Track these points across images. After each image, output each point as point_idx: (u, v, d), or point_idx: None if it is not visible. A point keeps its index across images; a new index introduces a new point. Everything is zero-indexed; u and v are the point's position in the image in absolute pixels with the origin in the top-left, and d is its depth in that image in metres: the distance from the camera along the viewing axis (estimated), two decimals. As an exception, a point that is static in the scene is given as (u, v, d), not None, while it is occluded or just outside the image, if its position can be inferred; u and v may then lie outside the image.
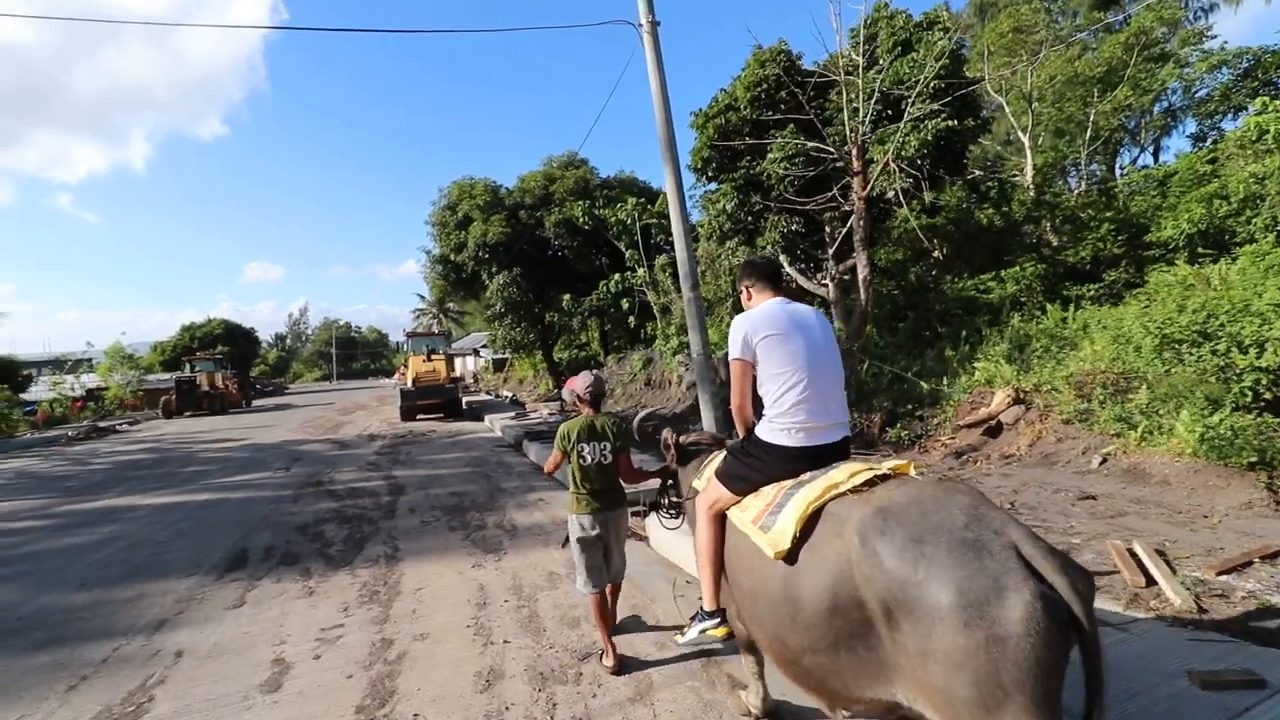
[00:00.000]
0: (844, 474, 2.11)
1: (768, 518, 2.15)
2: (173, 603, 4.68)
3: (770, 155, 13.32)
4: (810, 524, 2.03)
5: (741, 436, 2.57)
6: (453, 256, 23.03)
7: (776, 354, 2.35)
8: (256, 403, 35.31)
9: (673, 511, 3.38)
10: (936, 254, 17.38)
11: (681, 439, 3.33)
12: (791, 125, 13.15)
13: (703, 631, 2.56)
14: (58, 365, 37.50)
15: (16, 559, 6.28)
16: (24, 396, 31.80)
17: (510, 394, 27.09)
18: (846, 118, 8.07)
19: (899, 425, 7.45)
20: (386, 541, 6.03)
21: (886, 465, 2.20)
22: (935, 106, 11.02)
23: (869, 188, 7.87)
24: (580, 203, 21.28)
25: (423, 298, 61.21)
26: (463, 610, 4.19)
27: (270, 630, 4.07)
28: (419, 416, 18.74)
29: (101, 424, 24.23)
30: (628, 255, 20.60)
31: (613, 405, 17.60)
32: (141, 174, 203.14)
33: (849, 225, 13.66)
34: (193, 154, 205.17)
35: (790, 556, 2.02)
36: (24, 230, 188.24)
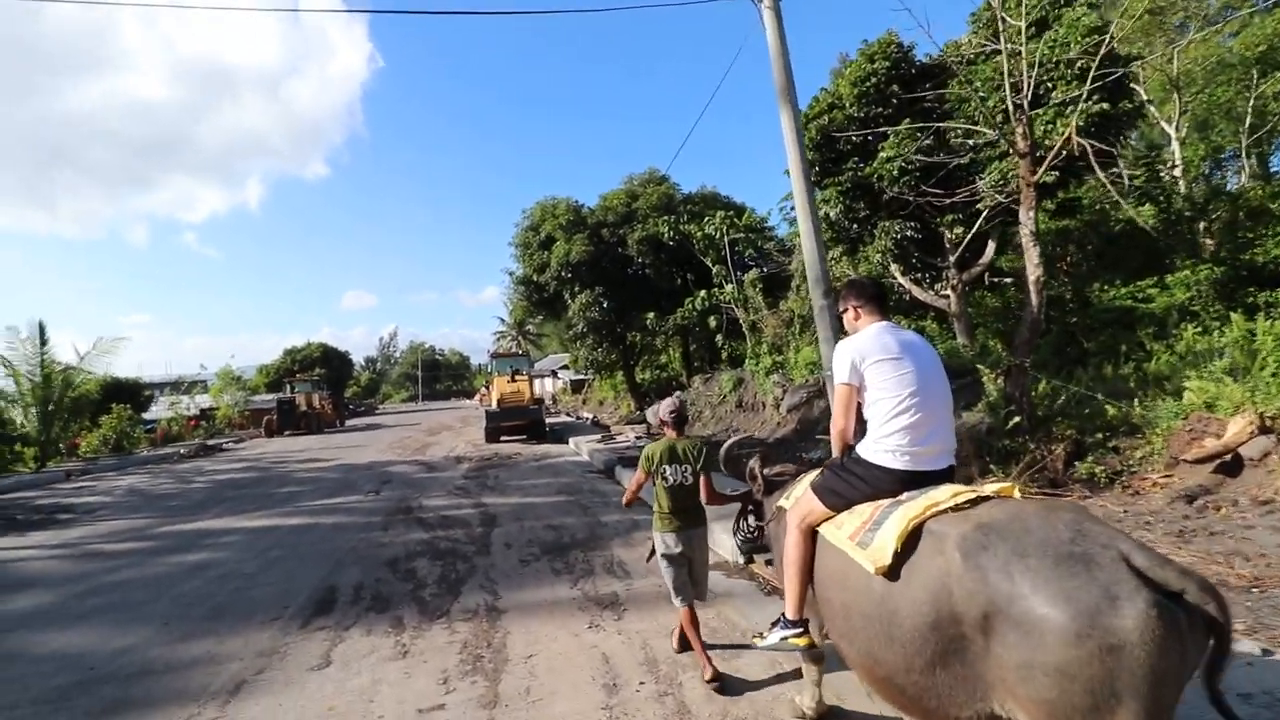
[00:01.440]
0: (945, 493, 2.10)
1: (866, 534, 2.14)
2: (253, 657, 4.06)
3: (882, 154, 12.12)
4: (911, 541, 2.01)
5: (836, 457, 2.58)
6: (535, 277, 22.86)
7: (886, 378, 2.35)
8: (349, 422, 36.58)
9: (751, 535, 3.49)
10: (1065, 260, 15.48)
11: (767, 470, 3.36)
12: (906, 121, 11.92)
13: (784, 639, 2.56)
14: (175, 387, 40.39)
15: (109, 587, 5.98)
16: (145, 415, 34.37)
17: (591, 415, 26.57)
18: (1008, 91, 6.86)
19: (1089, 459, 6.07)
20: (485, 585, 5.27)
21: (990, 488, 2.17)
22: (1085, 89, 9.58)
23: (1043, 169, 6.61)
24: (665, 218, 20.59)
25: (503, 320, 62.60)
26: (588, 694, 3.31)
27: (359, 707, 3.33)
28: (503, 438, 18.41)
29: (210, 442, 25.48)
30: (714, 271, 19.67)
31: (701, 429, 16.61)
32: (256, 213, 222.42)
33: (974, 228, 12.22)
34: (300, 193, 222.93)
35: (891, 573, 2.00)
36: (157, 266, 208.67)
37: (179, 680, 3.80)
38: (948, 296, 12.98)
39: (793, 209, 19.74)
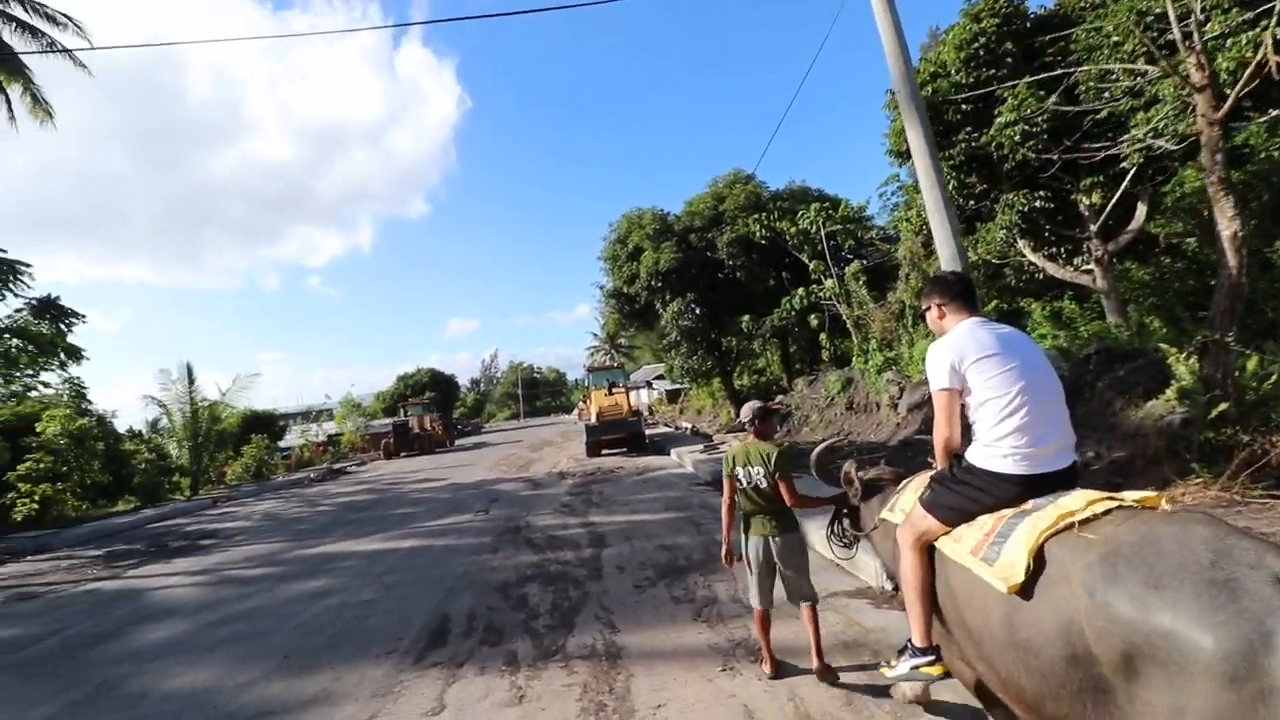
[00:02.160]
0: (1080, 501, 1.90)
1: (990, 549, 1.97)
2: (368, 698, 3.85)
3: (1000, 119, 10.85)
4: (1040, 557, 1.82)
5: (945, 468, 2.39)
6: (625, 289, 22.72)
7: (990, 377, 2.17)
8: (458, 441, 38.11)
9: (846, 541, 3.45)
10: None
11: (863, 474, 3.23)
12: (1024, 83, 10.61)
13: (915, 668, 2.30)
14: (305, 416, 43.90)
15: (238, 616, 6.11)
16: (281, 444, 37.51)
17: (689, 425, 26.02)
18: (1173, 21, 5.73)
19: (1327, 450, 4.84)
20: (600, 615, 4.86)
21: (1131, 496, 1.92)
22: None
23: (1231, 100, 5.44)
24: (755, 216, 19.79)
25: (595, 335, 63.47)
26: (733, 758, 2.78)
27: (474, 764, 2.97)
28: (603, 451, 18.25)
29: (335, 466, 27.22)
30: (812, 266, 18.64)
31: (809, 434, 15.66)
32: (367, 253, 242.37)
33: (1121, 188, 10.65)
34: (404, 231, 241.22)
35: (1025, 591, 1.81)
36: (287, 307, 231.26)
37: (295, 724, 3.63)
38: (1090, 271, 11.39)
39: (895, 192, 18.51)
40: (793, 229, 19.02)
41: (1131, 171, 10.18)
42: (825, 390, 16.98)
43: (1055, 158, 8.39)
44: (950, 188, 12.20)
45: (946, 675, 2.33)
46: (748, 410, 3.69)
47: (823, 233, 18.21)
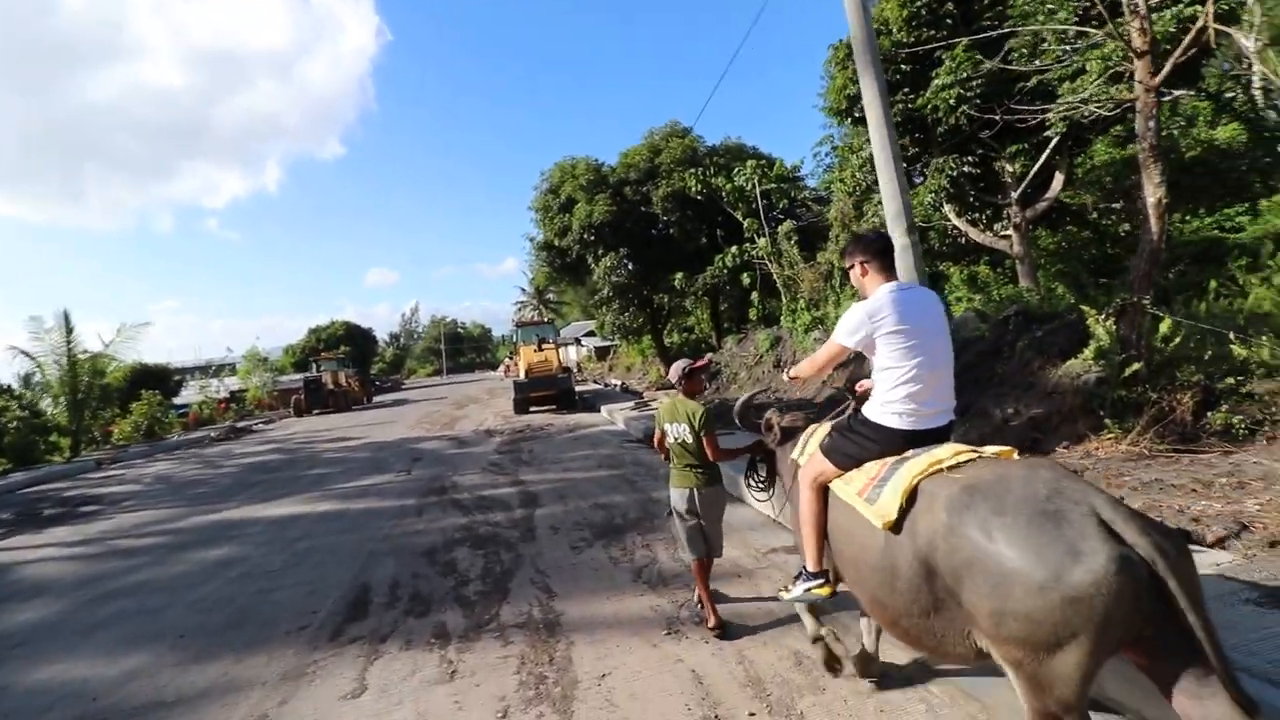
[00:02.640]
0: (948, 452, 2.22)
1: (873, 490, 2.26)
2: (276, 681, 3.46)
3: (937, 82, 10.93)
4: (911, 498, 2.12)
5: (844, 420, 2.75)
6: (556, 241, 21.96)
7: (895, 349, 2.38)
8: (377, 399, 36.49)
9: (762, 485, 3.67)
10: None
11: (782, 420, 3.43)
12: (963, 43, 10.66)
13: (808, 589, 2.63)
14: (204, 371, 40.64)
15: (125, 591, 5.47)
16: (177, 401, 34.64)
17: (620, 382, 25.93)
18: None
19: (1224, 408, 5.18)
20: (536, 579, 4.62)
21: (990, 450, 2.27)
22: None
23: (1169, 66, 5.56)
24: (691, 170, 19.44)
25: (523, 290, 61.94)
26: (686, 731, 2.63)
27: (402, 752, 2.69)
28: (532, 409, 17.86)
29: (239, 424, 25.42)
30: (746, 224, 18.59)
31: (737, 390, 15.83)
32: (274, 195, 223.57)
33: (1043, 157, 11.05)
34: (317, 173, 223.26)
35: (896, 527, 2.12)
36: (182, 252, 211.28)
37: (189, 716, 3.21)
38: (1008, 237, 11.88)
39: (828, 154, 18.57)
40: (728, 185, 18.84)
41: (1055, 140, 10.56)
42: (754, 348, 17.19)
43: (997, 119, 8.42)
44: (884, 149, 12.33)
45: (834, 595, 2.65)
46: (676, 369, 3.84)
47: (758, 191, 18.14)
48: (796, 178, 20.39)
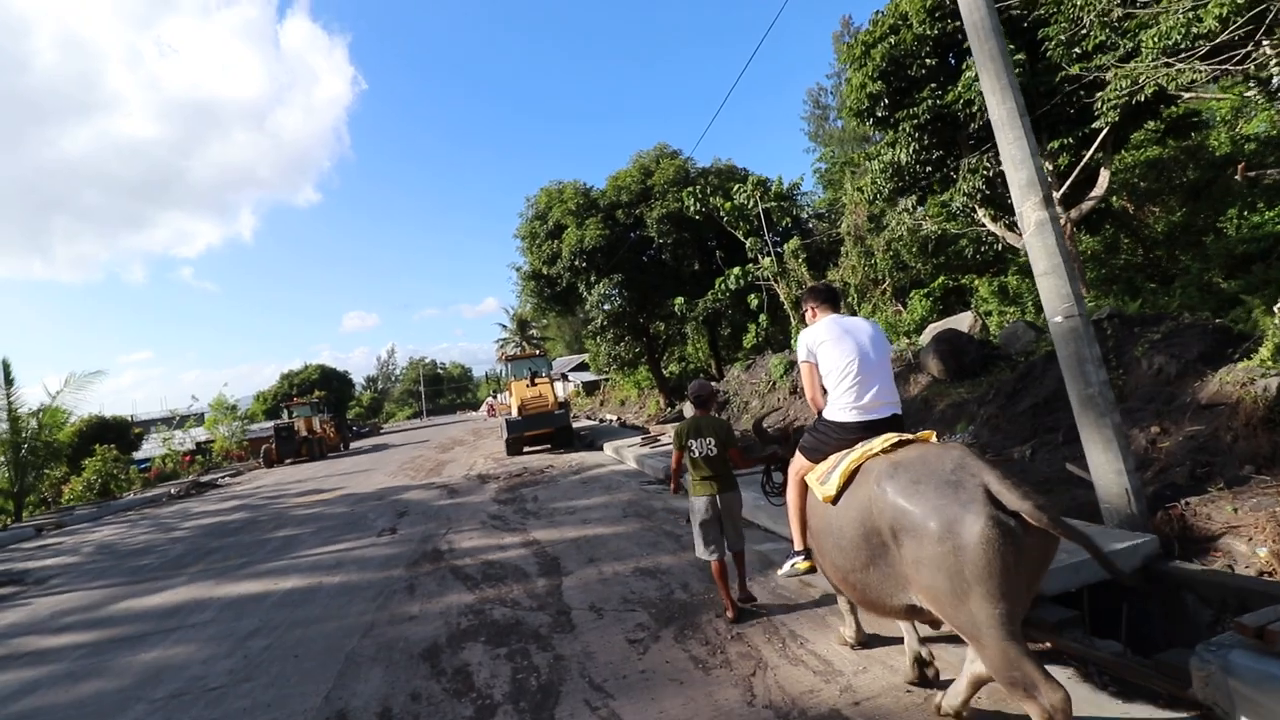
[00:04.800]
0: (880, 441, 2.71)
1: (827, 476, 2.80)
2: None
3: (969, 74, 10.05)
4: (852, 477, 2.67)
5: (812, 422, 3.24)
6: (545, 270, 20.74)
7: (832, 355, 2.99)
8: (354, 444, 34.51)
9: (776, 489, 4.36)
10: (1162, 198, 13.40)
11: (767, 426, 4.46)
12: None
13: (793, 565, 3.20)
14: (169, 423, 38.26)
15: (2, 730, 3.91)
16: (138, 455, 32.31)
17: (615, 417, 24.50)
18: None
19: None
20: (595, 704, 3.18)
21: (914, 436, 2.76)
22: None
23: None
24: (689, 189, 18.44)
25: (504, 327, 60.50)
26: None
27: None
28: (525, 449, 16.36)
29: (203, 479, 23.37)
30: (749, 244, 17.56)
31: (750, 421, 14.53)
32: (250, 243, 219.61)
33: (1090, 151, 10.15)
34: (293, 221, 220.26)
35: (835, 500, 2.69)
36: (155, 303, 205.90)
37: None
38: (1051, 241, 10.93)
39: (828, 169, 17.72)
40: (727, 205, 17.85)
41: (1104, 132, 9.69)
42: (768, 374, 15.96)
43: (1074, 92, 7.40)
44: (909, 153, 11.38)
45: (813, 570, 3.15)
46: (691, 389, 4.32)
47: (760, 208, 17.17)
48: (796, 195, 19.52)
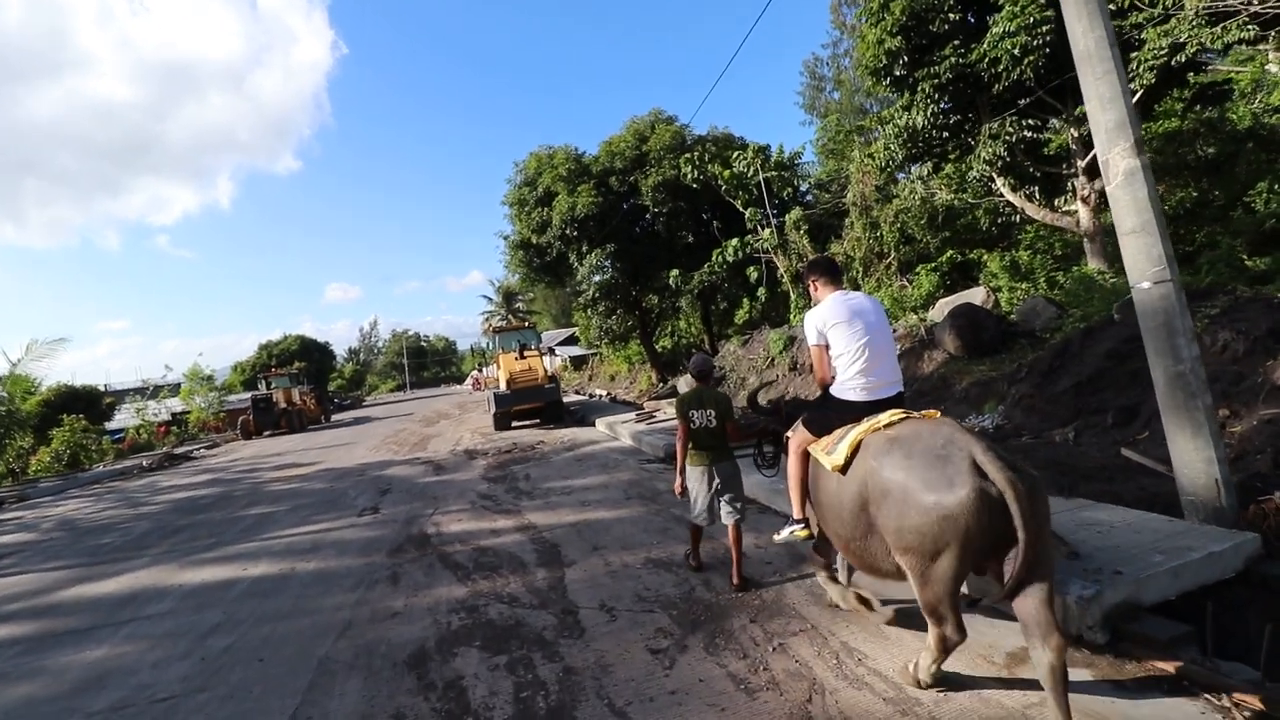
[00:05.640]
0: (884, 417, 2.85)
1: (833, 447, 2.92)
2: None
3: (995, 29, 9.38)
4: (856, 451, 2.80)
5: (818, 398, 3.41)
6: (534, 239, 19.90)
7: (842, 336, 3.05)
8: (335, 417, 33.67)
9: (768, 462, 4.57)
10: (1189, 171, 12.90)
11: (761, 399, 4.54)
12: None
13: (791, 532, 3.31)
14: (143, 393, 37.07)
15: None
16: (112, 425, 31.24)
17: (605, 393, 23.95)
18: None
19: None
20: (616, 730, 2.65)
21: (917, 413, 2.90)
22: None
23: None
24: (686, 155, 17.65)
25: (490, 299, 59.45)
26: None
27: None
28: (514, 424, 15.76)
29: (177, 450, 22.54)
30: (748, 214, 16.89)
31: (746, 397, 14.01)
32: (228, 211, 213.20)
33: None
34: (272, 188, 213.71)
35: (843, 470, 2.81)
36: (131, 271, 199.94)
37: None
38: (1073, 213, 10.40)
39: (833, 137, 17.00)
40: (726, 173, 17.12)
41: (1135, 97, 9.12)
42: (765, 350, 15.44)
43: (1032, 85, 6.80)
44: (926, 116, 10.74)
45: (811, 538, 3.32)
46: (694, 363, 4.50)
47: (761, 177, 16.47)
48: (797, 164, 18.81)
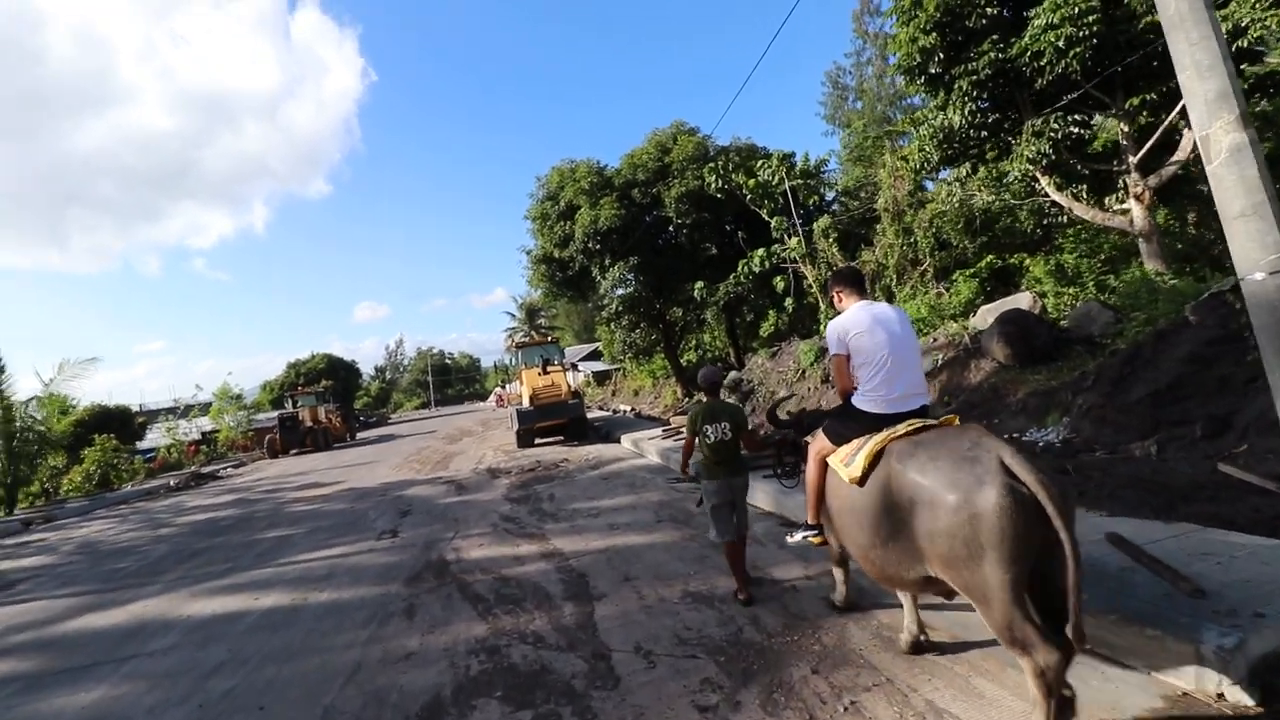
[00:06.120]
0: (904, 426, 2.81)
1: (851, 458, 2.87)
2: None
3: (1038, 22, 8.89)
4: (875, 460, 2.75)
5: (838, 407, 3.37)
6: (557, 253, 19.70)
7: (864, 348, 3.00)
8: (360, 435, 33.77)
9: (788, 471, 4.82)
10: None
11: (779, 412, 4.72)
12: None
13: (805, 537, 3.38)
14: (174, 412, 37.63)
15: None
16: (144, 444, 31.68)
17: (629, 408, 23.53)
18: None
19: None
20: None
21: (936, 421, 2.88)
22: None
23: None
24: (710, 165, 17.32)
25: (513, 315, 59.67)
26: None
27: None
28: (537, 441, 15.41)
29: (204, 470, 22.63)
30: (773, 224, 16.45)
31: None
32: (262, 235, 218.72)
33: (1174, 113, 8.98)
34: (304, 212, 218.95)
35: (860, 482, 2.77)
36: (169, 294, 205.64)
37: None
38: (1125, 211, 9.78)
39: (860, 143, 16.54)
40: (751, 182, 16.74)
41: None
42: (796, 361, 14.91)
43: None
44: (962, 115, 10.25)
45: (824, 543, 3.35)
46: (702, 375, 4.40)
47: (786, 185, 16.05)
48: (824, 173, 18.36)
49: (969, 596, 2.33)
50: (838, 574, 3.60)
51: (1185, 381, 5.20)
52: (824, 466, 3.13)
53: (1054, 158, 9.68)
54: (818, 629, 3.45)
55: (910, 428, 2.75)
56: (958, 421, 2.88)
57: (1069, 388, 6.40)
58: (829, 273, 15.49)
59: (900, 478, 2.54)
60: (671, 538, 5.75)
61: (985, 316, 10.39)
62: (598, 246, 18.47)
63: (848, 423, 3.02)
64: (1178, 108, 8.82)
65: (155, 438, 33.46)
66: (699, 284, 17.68)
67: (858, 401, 3.00)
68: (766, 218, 16.73)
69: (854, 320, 3.05)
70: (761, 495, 6.51)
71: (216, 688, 3.90)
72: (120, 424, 29.12)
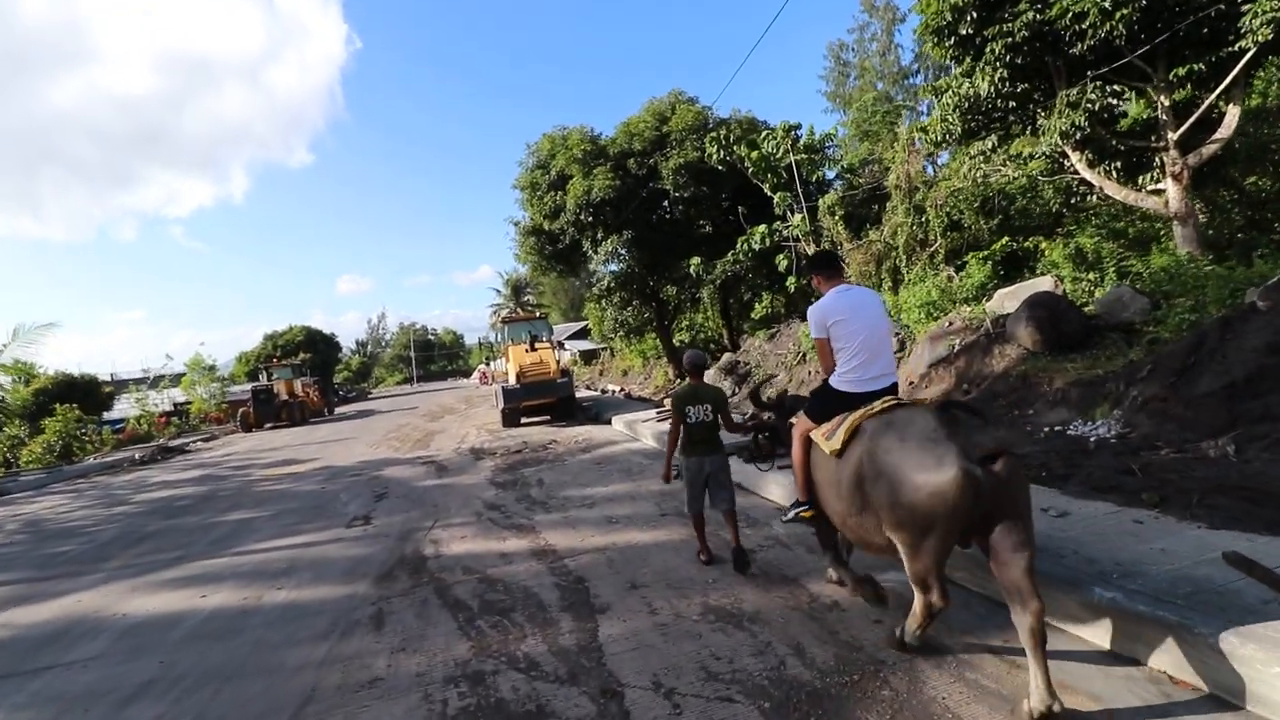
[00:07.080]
0: (879, 404, 3.03)
1: (832, 433, 3.09)
2: None
3: (1081, -21, 8.16)
4: (853, 435, 2.96)
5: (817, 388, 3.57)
6: (547, 225, 18.80)
7: (843, 333, 3.24)
8: (340, 410, 32.79)
9: (762, 455, 4.81)
10: None
11: (762, 394, 4.71)
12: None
13: (797, 512, 3.48)
14: (144, 382, 36.29)
15: None
16: (113, 415, 30.44)
17: (618, 389, 22.85)
18: None
19: None
20: None
21: (909, 399, 3.53)
22: None
23: None
24: (711, 135, 16.47)
25: (498, 291, 58.51)
26: None
27: None
28: (523, 420, 14.71)
29: (172, 443, 21.60)
30: (776, 199, 15.69)
31: (774, 392, 12.87)
32: (240, 204, 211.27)
33: (1222, 86, 8.32)
34: (285, 181, 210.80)
35: (840, 454, 2.99)
36: (146, 262, 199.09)
37: None
38: (1160, 191, 9.17)
39: (868, 117, 15.77)
40: (753, 154, 15.93)
41: (1246, 57, 7.90)
42: (796, 344, 14.31)
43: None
44: (989, 83, 9.53)
45: (814, 518, 3.41)
46: (686, 358, 4.62)
47: (791, 159, 15.27)
48: (829, 148, 17.58)
49: (903, 549, 2.64)
50: (830, 563, 3.73)
51: (1267, 373, 4.62)
52: (808, 444, 3.33)
53: (1088, 131, 9.02)
54: (879, 666, 2.81)
55: (884, 405, 2.99)
56: (927, 402, 3.08)
57: (1119, 377, 5.81)
58: (833, 250, 14.84)
59: (872, 455, 2.77)
60: (679, 536, 5.11)
61: (1003, 301, 9.80)
62: (590, 219, 17.62)
63: (828, 402, 3.27)
64: (1226, 80, 8.18)
65: (125, 408, 32.22)
66: (695, 260, 16.91)
67: (835, 383, 3.25)
68: (769, 193, 15.95)
69: (833, 307, 3.29)
70: (775, 488, 5.90)
71: (138, 716, 3.19)
72: (85, 393, 27.82)
